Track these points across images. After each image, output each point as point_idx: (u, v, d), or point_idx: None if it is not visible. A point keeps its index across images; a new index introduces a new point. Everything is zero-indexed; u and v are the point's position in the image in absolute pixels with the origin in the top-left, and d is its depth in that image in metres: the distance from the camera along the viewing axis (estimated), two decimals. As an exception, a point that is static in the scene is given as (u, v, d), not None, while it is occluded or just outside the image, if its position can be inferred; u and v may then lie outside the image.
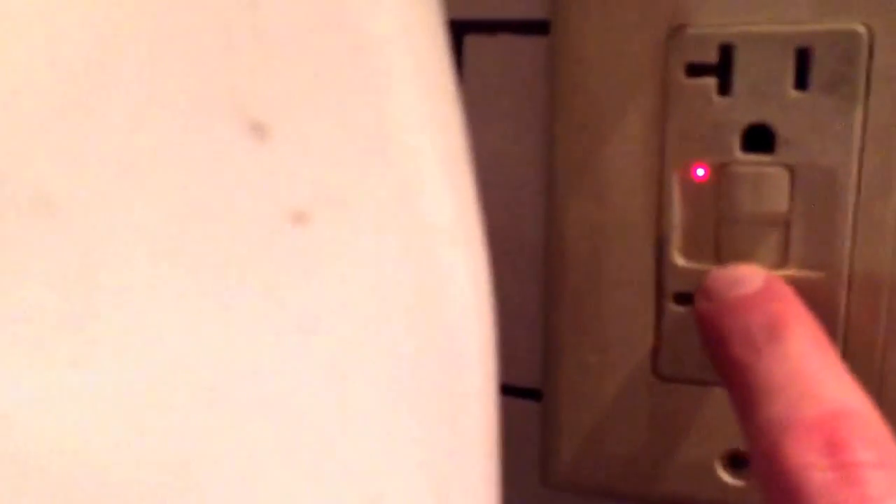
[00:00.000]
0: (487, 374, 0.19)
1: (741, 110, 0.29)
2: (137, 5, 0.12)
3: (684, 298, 0.31)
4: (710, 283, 0.29)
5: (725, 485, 0.32)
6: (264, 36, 0.13)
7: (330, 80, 0.14)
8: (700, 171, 0.30)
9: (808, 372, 0.25)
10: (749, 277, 0.28)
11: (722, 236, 0.30)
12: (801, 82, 0.28)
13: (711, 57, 0.29)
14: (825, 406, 0.24)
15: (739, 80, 0.29)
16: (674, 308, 0.32)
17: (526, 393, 0.37)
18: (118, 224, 0.12)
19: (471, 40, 0.36)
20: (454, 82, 0.19)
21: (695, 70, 0.30)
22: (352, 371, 0.15)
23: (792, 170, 0.29)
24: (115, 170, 0.12)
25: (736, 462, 0.32)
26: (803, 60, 0.28)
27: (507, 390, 0.37)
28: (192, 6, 0.13)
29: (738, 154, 0.30)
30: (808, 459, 0.23)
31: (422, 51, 0.17)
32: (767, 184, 0.29)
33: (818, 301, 0.29)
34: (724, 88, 0.29)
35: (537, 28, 0.34)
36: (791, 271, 0.29)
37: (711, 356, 0.28)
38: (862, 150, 0.28)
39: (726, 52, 0.29)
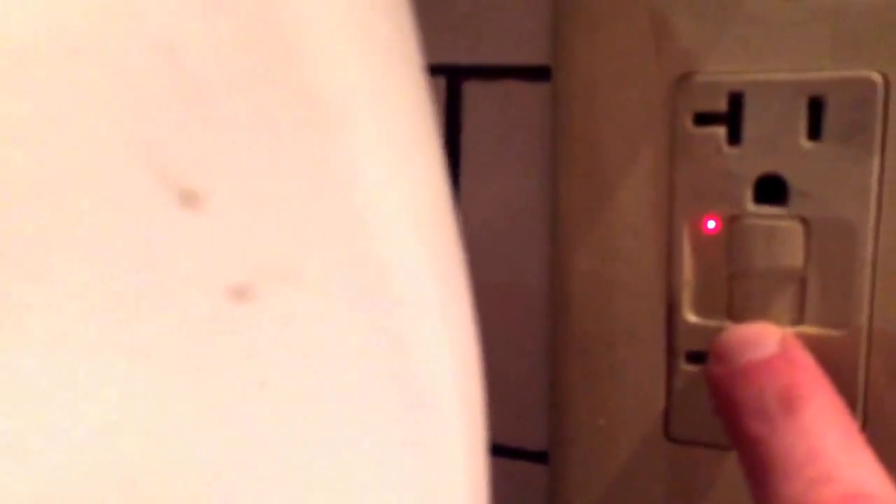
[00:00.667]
0: (471, 446, 0.18)
1: (752, 160, 0.28)
2: (32, 58, 0.11)
3: (697, 357, 0.30)
4: (722, 344, 0.28)
5: (743, 553, 0.31)
6: (192, 94, 0.12)
7: (279, 140, 0.13)
8: (711, 224, 0.29)
9: (825, 449, 0.24)
10: (763, 339, 0.27)
11: (735, 292, 0.29)
12: (815, 132, 0.27)
13: (720, 105, 0.29)
14: (842, 488, 0.23)
15: (750, 130, 0.28)
16: (686, 367, 0.30)
17: (533, 456, 0.36)
18: (29, 319, 0.11)
19: (470, 86, 0.35)
20: (433, 133, 0.18)
21: (703, 119, 0.29)
22: (309, 462, 0.14)
23: (806, 223, 0.28)
24: (18, 253, 0.11)
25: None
26: (816, 109, 0.27)
27: (514, 453, 0.36)
28: (99, 62, 0.11)
29: (750, 206, 0.29)
30: None
31: (392, 101, 0.16)
32: (781, 237, 0.28)
33: (836, 360, 0.28)
34: (734, 138, 0.28)
35: (539, 74, 0.33)
36: (807, 329, 0.28)
37: (724, 424, 0.27)
38: (879, 201, 0.27)
39: (736, 100, 0.28)
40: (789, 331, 0.28)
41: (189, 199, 0.12)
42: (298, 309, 0.13)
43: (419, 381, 0.16)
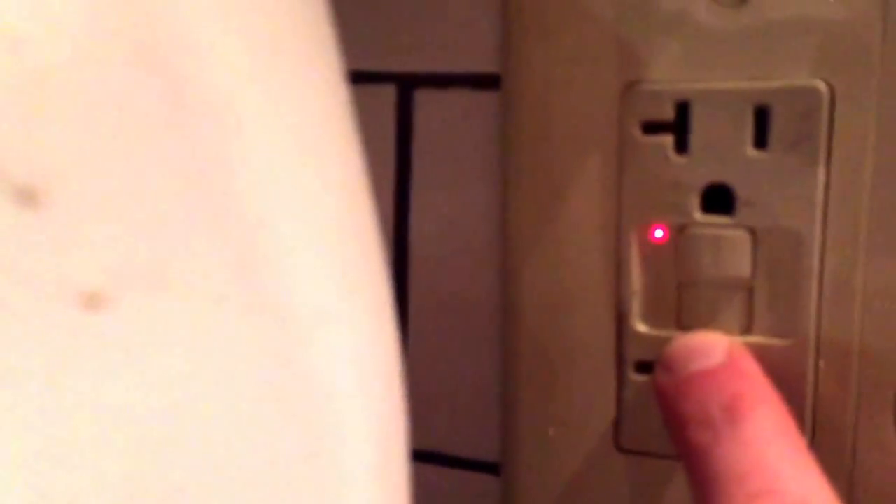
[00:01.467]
0: (380, 459, 0.17)
1: (699, 170, 0.28)
2: None
3: (646, 367, 0.30)
4: (668, 354, 0.28)
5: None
6: (33, 84, 0.11)
7: (142, 137, 0.12)
8: (659, 233, 0.29)
9: (768, 461, 0.24)
10: (710, 349, 0.27)
11: (684, 302, 0.30)
12: (761, 141, 0.28)
13: (667, 114, 0.29)
14: (785, 502, 0.23)
15: (696, 139, 0.28)
16: (635, 378, 0.31)
17: (486, 467, 0.36)
18: None
19: (421, 95, 0.35)
20: (348, 138, 0.18)
21: (651, 127, 0.29)
22: (184, 480, 0.13)
23: (754, 232, 0.28)
24: None
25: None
26: (763, 118, 0.28)
27: (467, 464, 0.36)
28: None
29: (698, 215, 0.29)
30: None
31: (291, 102, 0.15)
32: (728, 247, 0.28)
33: (784, 370, 0.28)
34: (682, 147, 0.29)
35: (491, 82, 0.33)
36: (756, 339, 0.28)
37: (670, 435, 0.27)
38: (826, 211, 0.27)
39: (683, 108, 0.28)
40: (737, 340, 0.28)
41: (26, 196, 0.11)
42: (167, 316, 0.13)
43: (316, 392, 0.15)
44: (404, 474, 0.19)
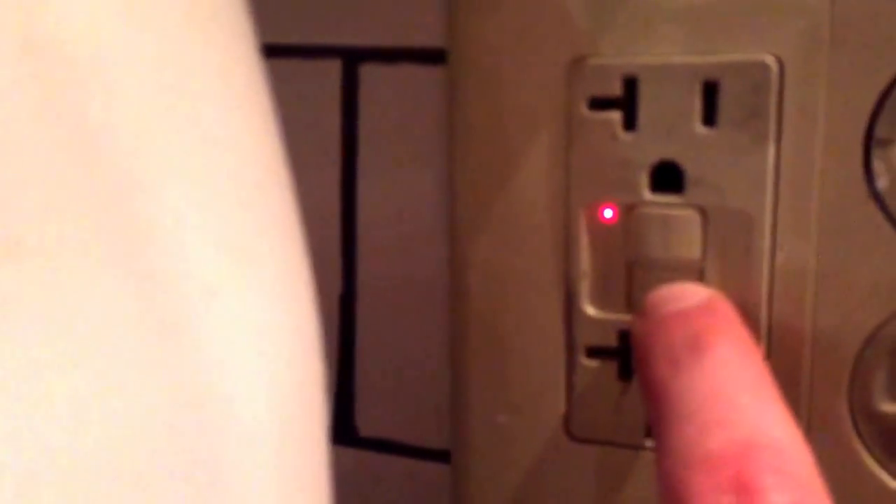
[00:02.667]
0: (283, 446, 0.16)
1: (648, 147, 0.28)
2: None
3: (597, 352, 0.30)
4: (649, 298, 0.27)
5: (648, 554, 0.31)
6: None
7: None
8: (608, 213, 0.29)
9: (726, 392, 0.23)
10: (688, 293, 0.26)
11: (634, 284, 0.29)
12: (710, 118, 0.27)
13: (615, 90, 0.28)
14: (739, 434, 0.21)
15: (645, 115, 0.28)
16: (586, 362, 0.30)
17: (437, 455, 0.35)
18: None
19: (367, 70, 0.34)
20: (259, 113, 0.17)
21: (598, 104, 0.28)
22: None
23: (704, 212, 0.27)
24: None
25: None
26: (711, 94, 0.27)
27: (416, 452, 0.35)
28: None
29: (647, 194, 0.28)
30: (712, 502, 0.21)
31: (182, 66, 0.15)
32: (677, 227, 0.28)
33: (736, 355, 0.27)
34: (630, 123, 0.28)
35: (439, 57, 0.33)
36: (707, 322, 0.28)
37: (640, 380, 0.26)
38: (776, 190, 0.27)
39: (630, 84, 0.28)
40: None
41: None
42: (23, 285, 0.12)
43: (203, 373, 0.14)
44: (320, 463, 0.19)
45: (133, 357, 0.13)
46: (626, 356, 0.29)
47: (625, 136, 0.28)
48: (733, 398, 0.23)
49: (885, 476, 0.27)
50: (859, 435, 0.27)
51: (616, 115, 0.28)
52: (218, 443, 0.15)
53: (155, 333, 0.14)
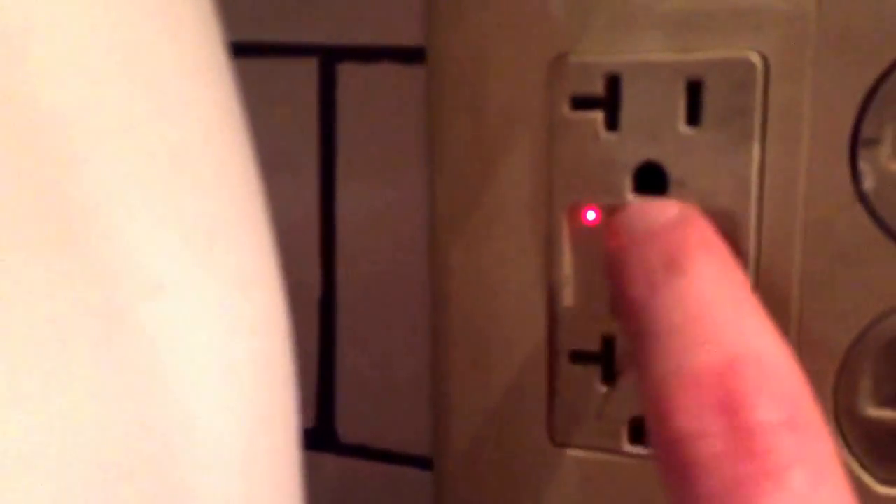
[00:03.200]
0: (252, 461, 0.16)
1: (631, 147, 0.27)
2: None
3: (580, 356, 0.29)
4: (621, 217, 0.26)
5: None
6: None
7: None
8: (591, 215, 0.28)
9: (707, 309, 0.22)
10: (661, 209, 0.25)
11: (617, 287, 0.28)
12: (694, 117, 0.26)
13: (597, 88, 0.28)
14: (723, 352, 0.21)
15: (627, 115, 0.27)
16: (568, 367, 0.30)
17: (420, 462, 0.35)
18: None
19: (345, 69, 0.34)
20: (224, 109, 0.16)
21: (580, 103, 0.28)
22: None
23: (687, 213, 0.27)
24: None
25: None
26: (696, 93, 0.26)
27: (397, 458, 0.35)
28: None
29: (630, 196, 0.28)
30: (697, 425, 0.20)
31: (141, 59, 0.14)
32: (661, 229, 0.27)
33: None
34: (612, 123, 0.27)
35: (418, 56, 0.32)
36: (691, 326, 0.27)
37: (615, 304, 0.24)
38: (761, 191, 0.26)
39: (613, 82, 0.27)
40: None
41: None
42: None
43: (148, 378, 0.13)
44: (291, 469, 0.18)
45: (73, 363, 0.12)
46: (610, 361, 0.29)
47: (607, 136, 0.28)
48: (715, 315, 0.22)
49: (869, 480, 0.27)
50: (844, 439, 0.27)
51: (598, 115, 0.28)
52: (177, 459, 0.14)
53: (94, 336, 0.13)
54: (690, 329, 0.21)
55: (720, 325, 0.21)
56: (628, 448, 0.29)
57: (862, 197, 0.25)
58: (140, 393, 0.13)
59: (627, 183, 0.28)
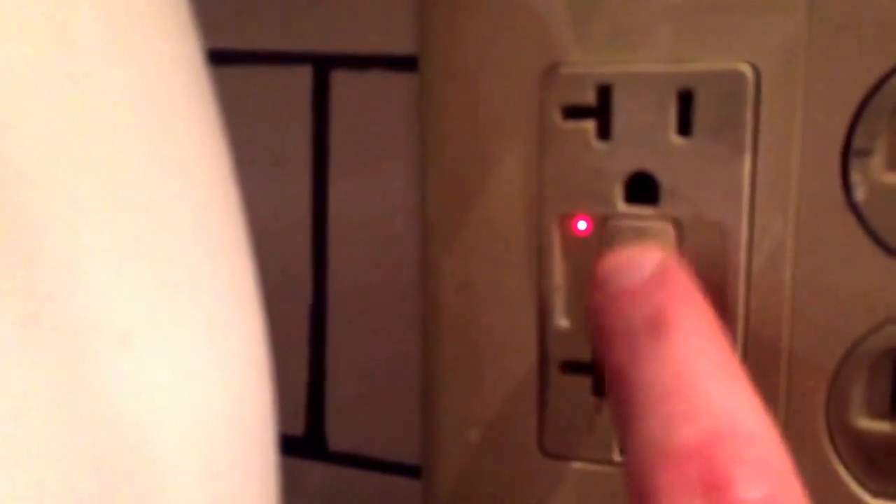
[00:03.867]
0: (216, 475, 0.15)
1: (622, 157, 0.27)
2: None
3: (571, 367, 0.29)
4: (599, 271, 0.25)
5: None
6: None
7: None
8: (582, 225, 0.28)
9: (689, 379, 0.21)
10: (641, 262, 0.24)
11: (608, 297, 0.28)
12: (685, 127, 0.26)
13: (589, 98, 0.27)
14: (706, 425, 0.20)
15: (619, 125, 0.27)
16: (559, 377, 0.29)
17: (409, 470, 0.34)
18: None
19: (338, 76, 0.34)
20: (201, 117, 0.16)
21: (572, 112, 0.28)
22: None
23: (678, 224, 0.27)
24: None
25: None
26: (686, 103, 0.26)
27: (387, 467, 0.35)
28: None
29: (621, 206, 0.27)
30: (680, 502, 0.19)
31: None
32: (652, 239, 0.27)
33: (712, 370, 0.27)
34: (604, 133, 0.27)
35: (410, 64, 0.32)
36: (682, 336, 0.27)
37: (598, 360, 0.24)
38: (752, 202, 0.26)
39: (605, 93, 0.27)
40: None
41: None
42: None
43: (122, 433, 0.13)
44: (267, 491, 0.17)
45: (32, 416, 0.12)
46: (601, 372, 0.28)
47: (599, 146, 0.27)
48: (697, 386, 0.21)
49: (861, 492, 0.26)
50: (836, 450, 0.27)
51: (590, 125, 0.27)
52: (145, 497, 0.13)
53: (55, 386, 0.12)
54: (673, 402, 0.21)
55: (702, 397, 0.21)
56: (619, 459, 0.29)
57: (853, 208, 0.25)
58: (105, 455, 0.13)
59: (619, 192, 0.27)
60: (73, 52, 0.13)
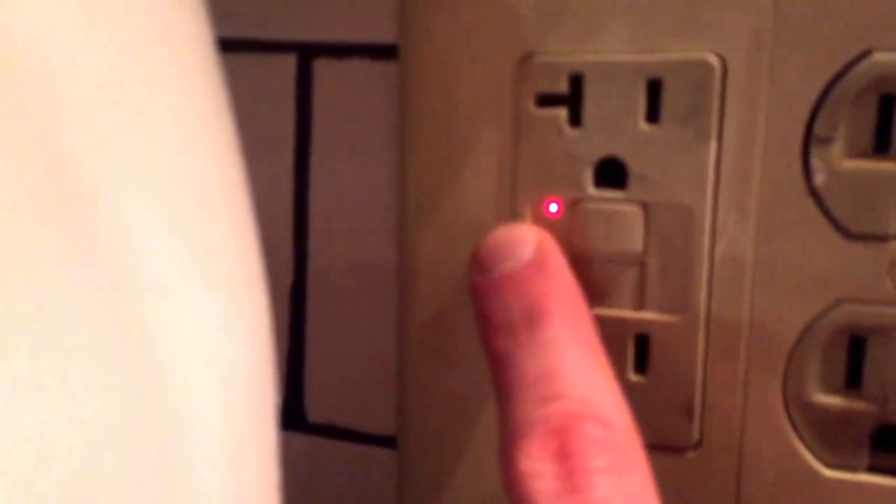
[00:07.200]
0: (240, 445, 0.16)
1: (592, 143, 0.27)
2: None
3: (540, 342, 0.28)
4: (480, 251, 0.26)
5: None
6: None
7: None
8: (553, 207, 0.28)
9: (562, 367, 0.23)
10: (518, 246, 0.25)
11: (577, 277, 0.28)
12: (653, 115, 0.26)
13: (562, 86, 0.27)
14: (567, 407, 0.22)
15: (590, 112, 0.26)
16: (530, 352, 0.29)
17: (384, 441, 0.34)
18: None
19: (321, 64, 0.33)
20: (212, 109, 0.16)
21: (545, 100, 0.27)
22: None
23: (646, 207, 0.26)
24: None
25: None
26: (655, 92, 0.26)
27: (364, 438, 0.34)
28: None
29: (591, 190, 0.27)
30: (537, 467, 0.22)
31: (135, 71, 0.14)
32: (620, 222, 0.27)
33: (676, 346, 0.27)
34: (575, 120, 0.27)
35: (391, 53, 0.31)
36: (648, 315, 0.27)
37: (480, 339, 0.25)
38: (717, 186, 0.26)
39: (577, 81, 0.27)
40: (629, 314, 0.27)
41: None
42: None
43: (159, 375, 0.14)
44: (270, 453, 0.18)
45: (85, 357, 0.12)
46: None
47: (570, 133, 0.27)
48: (569, 373, 0.23)
49: (817, 464, 0.26)
50: (793, 424, 0.26)
51: (562, 112, 0.27)
52: (176, 445, 0.14)
53: (106, 332, 0.13)
54: (544, 385, 0.23)
55: (569, 381, 0.23)
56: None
57: (813, 193, 0.25)
58: (142, 387, 0.13)
59: (589, 177, 0.27)
60: (122, 29, 0.13)
